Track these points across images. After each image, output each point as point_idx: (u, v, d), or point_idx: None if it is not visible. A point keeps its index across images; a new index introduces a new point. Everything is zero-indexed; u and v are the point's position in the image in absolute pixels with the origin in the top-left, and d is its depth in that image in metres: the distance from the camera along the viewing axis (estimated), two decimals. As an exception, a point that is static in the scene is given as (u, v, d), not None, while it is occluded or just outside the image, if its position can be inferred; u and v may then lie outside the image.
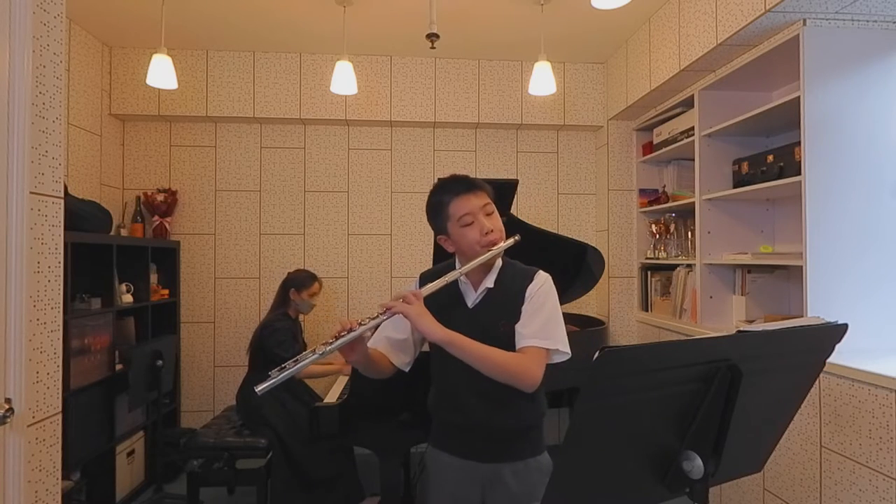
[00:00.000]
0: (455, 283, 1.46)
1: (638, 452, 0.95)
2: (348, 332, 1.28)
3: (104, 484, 2.85)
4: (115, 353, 2.88)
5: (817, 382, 2.00)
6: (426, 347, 1.51)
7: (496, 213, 1.46)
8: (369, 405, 2.07)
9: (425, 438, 1.63)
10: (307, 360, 1.24)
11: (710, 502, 0.95)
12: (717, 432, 0.94)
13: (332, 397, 2.52)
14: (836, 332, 1.00)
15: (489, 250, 1.40)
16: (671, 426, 0.93)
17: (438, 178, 1.52)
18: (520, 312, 1.40)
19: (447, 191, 1.45)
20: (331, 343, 1.27)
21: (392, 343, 1.48)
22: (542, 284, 1.44)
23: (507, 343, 1.38)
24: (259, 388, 1.23)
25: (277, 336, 2.80)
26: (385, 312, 1.31)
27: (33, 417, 1.27)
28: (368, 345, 1.42)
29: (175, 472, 3.25)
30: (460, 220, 1.41)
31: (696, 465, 0.92)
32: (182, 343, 3.61)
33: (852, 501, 1.91)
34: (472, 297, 1.46)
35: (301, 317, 3.10)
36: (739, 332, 0.92)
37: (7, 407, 1.16)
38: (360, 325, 1.29)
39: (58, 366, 1.37)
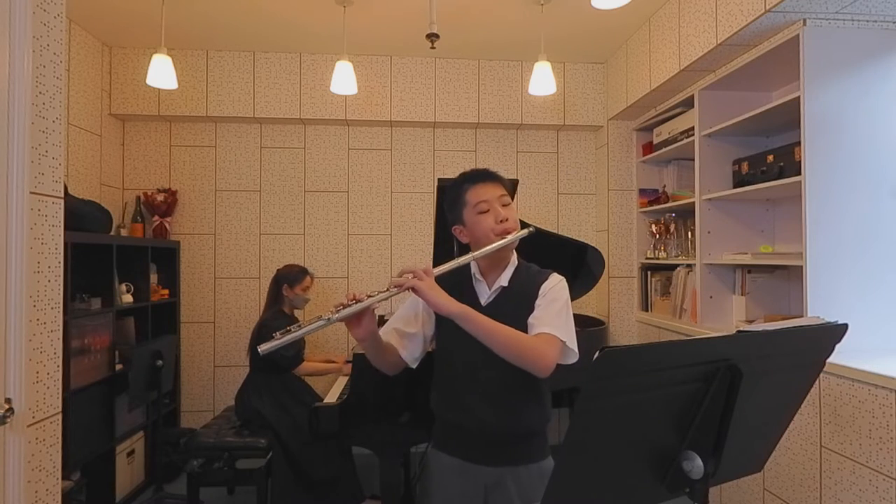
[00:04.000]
0: (469, 280, 1.48)
1: (638, 452, 0.95)
2: (356, 303, 1.27)
3: (104, 484, 2.85)
4: (115, 353, 2.88)
5: (817, 382, 2.00)
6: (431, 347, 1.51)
7: (512, 206, 1.49)
8: (369, 405, 2.06)
9: (425, 438, 1.63)
10: (313, 326, 1.25)
11: (710, 502, 0.95)
12: (717, 432, 0.94)
13: (332, 397, 2.51)
14: (836, 332, 1.00)
15: (503, 238, 1.41)
16: (671, 426, 0.93)
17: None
18: (533, 309, 1.40)
19: (466, 179, 1.48)
20: (338, 311, 1.26)
21: (401, 335, 1.48)
22: (557, 283, 1.44)
23: None
24: (262, 349, 1.25)
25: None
26: (395, 287, 1.30)
27: (33, 417, 1.27)
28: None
29: (175, 472, 3.25)
30: (476, 207, 1.43)
31: (696, 465, 0.92)
32: (182, 343, 3.61)
33: (852, 501, 1.91)
34: (485, 296, 1.46)
35: (302, 311, 3.09)
36: (739, 332, 0.92)
37: (7, 407, 1.16)
38: (369, 296, 1.28)
39: (58, 366, 1.37)
